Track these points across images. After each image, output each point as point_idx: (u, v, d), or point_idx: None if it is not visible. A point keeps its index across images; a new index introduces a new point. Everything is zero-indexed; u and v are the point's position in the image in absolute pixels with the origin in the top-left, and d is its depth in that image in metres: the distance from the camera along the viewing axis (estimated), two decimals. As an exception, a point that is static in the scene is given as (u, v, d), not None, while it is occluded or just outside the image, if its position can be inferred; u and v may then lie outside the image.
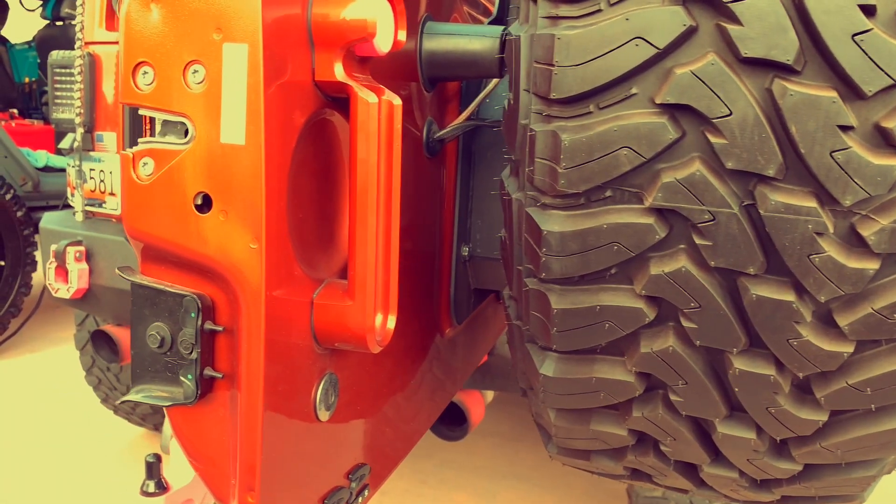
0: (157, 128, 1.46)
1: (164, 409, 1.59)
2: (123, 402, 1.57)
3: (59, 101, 3.77)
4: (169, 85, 1.38)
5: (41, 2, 6.15)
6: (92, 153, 3.70)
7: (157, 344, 1.48)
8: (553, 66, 1.50)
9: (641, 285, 1.56)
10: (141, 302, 1.49)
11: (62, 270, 3.51)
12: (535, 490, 4.19)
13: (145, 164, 1.43)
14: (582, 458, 2.00)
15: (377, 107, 1.50)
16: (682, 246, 1.53)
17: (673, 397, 1.68)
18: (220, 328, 1.47)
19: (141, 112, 1.44)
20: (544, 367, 1.74)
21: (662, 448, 1.82)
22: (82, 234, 3.54)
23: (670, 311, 1.59)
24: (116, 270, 1.55)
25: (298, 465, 1.64)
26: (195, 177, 1.40)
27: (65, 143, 3.77)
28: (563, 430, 1.86)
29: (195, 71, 1.37)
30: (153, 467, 3.05)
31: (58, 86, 3.77)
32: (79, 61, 3.56)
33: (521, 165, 1.66)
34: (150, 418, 4.36)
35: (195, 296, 1.44)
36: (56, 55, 3.76)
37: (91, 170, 3.72)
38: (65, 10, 5.66)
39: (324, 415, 1.64)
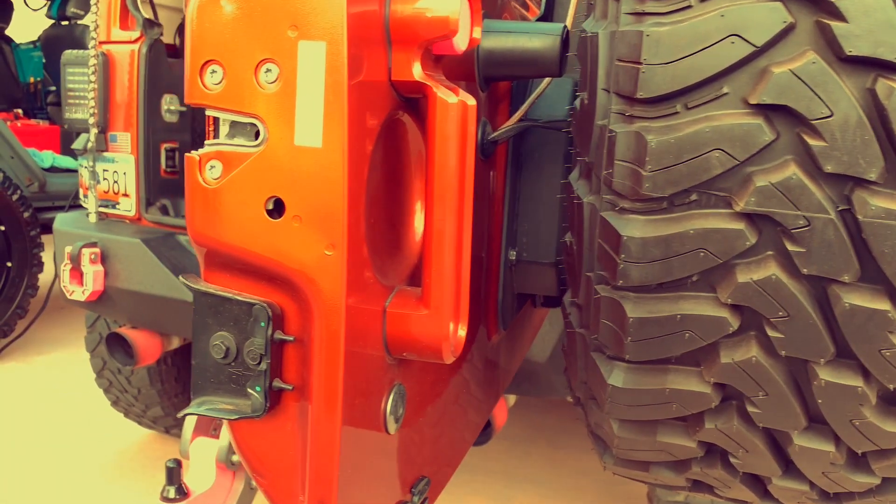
0: (223, 129, 1.36)
1: (224, 420, 1.48)
2: (184, 414, 1.46)
3: (72, 101, 3.64)
4: (239, 84, 1.28)
5: (46, 1, 6.01)
6: (105, 154, 3.59)
7: (221, 354, 1.37)
8: (640, 63, 1.40)
9: (727, 293, 1.47)
10: (204, 310, 1.38)
11: (77, 272, 3.39)
12: (549, 494, 4.10)
13: (213, 167, 1.32)
14: (641, 469, 1.90)
15: (457, 108, 1.40)
16: (771, 252, 1.44)
17: (750, 409, 1.59)
18: (291, 338, 1.37)
19: (208, 113, 1.33)
20: (613, 378, 1.64)
21: (732, 460, 1.73)
22: (97, 236, 3.42)
23: (754, 320, 1.50)
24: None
25: (369, 480, 1.54)
26: (267, 180, 1.30)
27: (78, 144, 3.64)
28: (626, 441, 1.76)
29: (268, 70, 1.27)
30: (173, 473, 2.95)
31: (71, 86, 3.64)
32: (93, 61, 3.44)
33: (595, 168, 1.56)
34: (161, 421, 4.23)
35: (265, 304, 1.34)
36: (69, 54, 3.64)
37: (104, 170, 3.61)
38: (71, 10, 5.52)
39: (392, 427, 1.54)
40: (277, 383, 1.39)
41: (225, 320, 1.36)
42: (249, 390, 1.38)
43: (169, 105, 3.62)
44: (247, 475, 3.04)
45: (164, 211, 3.60)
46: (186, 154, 1.35)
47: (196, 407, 1.44)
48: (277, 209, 1.31)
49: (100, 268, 3.38)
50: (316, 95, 1.24)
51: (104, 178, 3.62)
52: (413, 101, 1.48)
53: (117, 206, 3.62)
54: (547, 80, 2.00)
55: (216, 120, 1.34)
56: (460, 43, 1.43)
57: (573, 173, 1.75)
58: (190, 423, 3.01)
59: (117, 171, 3.60)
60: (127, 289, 3.39)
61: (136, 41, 3.51)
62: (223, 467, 2.99)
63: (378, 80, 1.36)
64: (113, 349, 3.54)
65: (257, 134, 1.30)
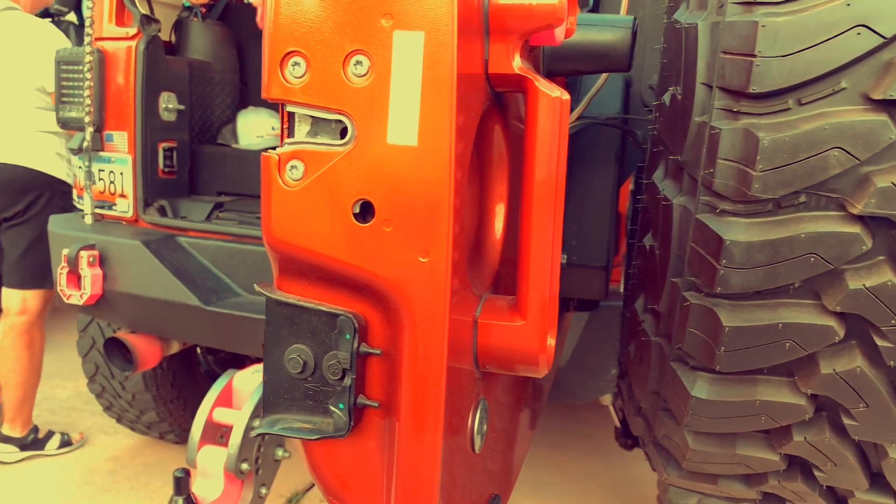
0: (300, 126, 1.20)
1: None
2: (258, 434, 1.31)
3: (66, 99, 3.44)
4: (325, 78, 1.14)
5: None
6: (101, 153, 3.39)
7: (297, 369, 1.23)
8: (754, 56, 1.28)
9: (835, 301, 1.35)
10: (278, 321, 1.24)
11: (74, 276, 3.20)
12: (553, 497, 3.98)
13: (294, 167, 1.19)
14: (708, 482, 1.78)
15: (558, 103, 1.26)
16: (883, 257, 1.32)
17: (847, 421, 1.47)
18: (378, 351, 1.23)
19: (288, 109, 1.19)
20: (696, 389, 1.51)
21: (816, 473, 1.61)
22: (95, 238, 3.22)
23: (860, 329, 1.39)
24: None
25: (453, 501, 1.40)
26: (355, 182, 1.16)
27: (73, 143, 3.45)
28: (701, 454, 1.64)
29: (358, 62, 1.13)
30: (182, 482, 2.77)
31: (65, 83, 3.44)
32: (88, 58, 3.25)
33: (689, 167, 1.43)
34: (155, 427, 4.03)
35: (351, 315, 1.19)
36: (63, 51, 3.44)
37: (100, 171, 3.42)
38: (54, 6, 5.28)
39: (478, 444, 1.40)
40: (362, 400, 1.25)
41: (302, 332, 1.22)
42: (331, 408, 1.24)
43: (167, 103, 3.43)
44: (256, 484, 2.89)
45: (163, 212, 3.42)
46: (264, 153, 1.20)
47: (269, 426, 1.30)
48: (366, 213, 1.17)
49: (98, 271, 3.19)
50: (412, 90, 1.11)
51: (100, 179, 3.43)
52: (498, 96, 1.34)
53: (114, 208, 3.43)
54: (605, 75, 1.87)
55: (290, 116, 1.20)
56: (560, 33, 1.30)
57: (657, 173, 1.62)
58: (197, 431, 2.83)
59: (114, 172, 3.41)
60: (127, 292, 3.21)
61: (132, 38, 3.33)
62: (232, 476, 2.82)
63: (475, 73, 1.22)
64: (111, 354, 3.35)
65: (343, 132, 1.16)
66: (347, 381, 1.22)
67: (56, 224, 3.43)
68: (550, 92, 1.25)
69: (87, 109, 3.29)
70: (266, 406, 1.30)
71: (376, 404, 1.25)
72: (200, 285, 3.12)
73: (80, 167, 3.46)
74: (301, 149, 1.19)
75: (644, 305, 1.73)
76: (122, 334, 3.34)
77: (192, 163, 3.62)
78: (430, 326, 1.19)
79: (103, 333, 3.86)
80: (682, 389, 1.53)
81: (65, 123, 3.45)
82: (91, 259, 3.15)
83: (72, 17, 5.55)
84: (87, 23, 3.31)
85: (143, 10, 3.43)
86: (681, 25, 1.46)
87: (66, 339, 5.66)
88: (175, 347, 3.51)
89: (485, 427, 1.41)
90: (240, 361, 4.33)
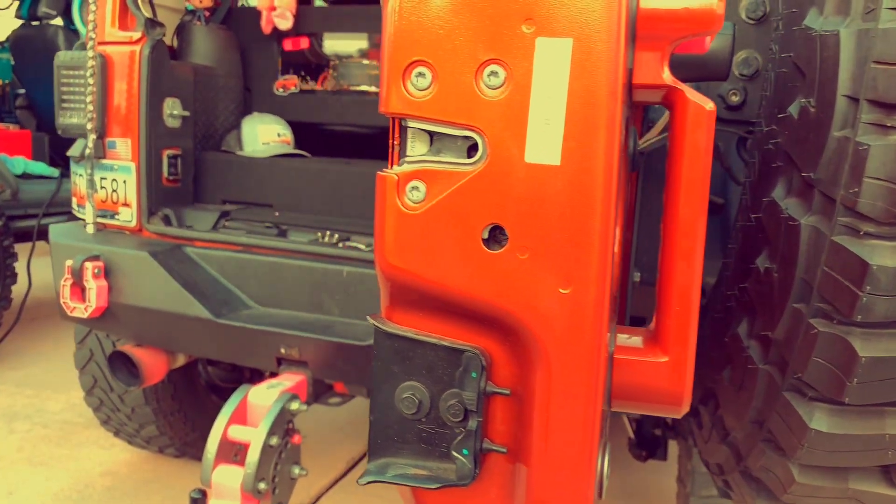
0: (415, 143, 1.08)
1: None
2: (367, 482, 1.18)
3: (66, 105, 3.28)
4: (455, 90, 1.03)
5: (16, 0, 5.56)
6: (104, 161, 3.25)
7: (411, 409, 1.10)
8: None
9: None
10: (390, 356, 1.12)
11: (78, 288, 3.05)
12: None
13: (415, 188, 1.07)
14: None
15: (710, 116, 1.15)
16: None
17: None
18: (506, 391, 1.10)
19: (411, 124, 1.06)
20: (815, 421, 1.40)
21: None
22: (100, 249, 3.08)
23: None
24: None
25: None
26: (485, 205, 1.04)
27: (74, 151, 3.30)
28: (807, 488, 1.53)
29: (492, 73, 1.01)
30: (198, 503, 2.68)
31: (65, 89, 3.29)
32: (91, 63, 3.12)
33: (824, 186, 1.31)
34: (155, 441, 3.87)
35: (478, 351, 1.07)
36: (64, 56, 3.28)
37: (102, 179, 3.27)
38: (42, 10, 5.10)
39: (604, 489, 1.27)
40: (488, 444, 1.13)
41: (416, 368, 1.10)
42: (454, 453, 1.11)
43: (171, 109, 3.30)
44: (273, 503, 2.76)
45: (167, 221, 3.28)
46: (380, 172, 1.07)
47: (378, 472, 1.17)
48: (497, 239, 1.05)
49: (104, 283, 3.05)
50: (556, 103, 0.99)
51: (102, 187, 3.28)
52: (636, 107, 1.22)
53: (116, 217, 3.29)
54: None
55: (404, 131, 1.07)
56: (709, 40, 1.19)
57: (776, 190, 1.50)
58: (212, 450, 2.70)
59: (116, 180, 3.28)
60: (134, 305, 3.07)
61: (136, 42, 3.19)
62: (249, 496, 2.70)
63: (619, 84, 1.10)
64: (116, 369, 3.21)
65: (471, 149, 1.05)
66: (472, 423, 1.10)
67: (57, 234, 3.28)
68: (704, 104, 1.14)
69: (89, 116, 3.15)
70: (373, 449, 1.17)
71: (504, 450, 1.14)
72: (210, 297, 2.99)
73: (80, 175, 3.32)
74: (423, 167, 1.07)
75: (750, 330, 1.60)
76: (128, 348, 3.20)
77: (196, 170, 3.48)
78: (570, 365, 1.07)
79: (102, 345, 3.70)
80: (798, 421, 1.42)
81: (65, 130, 3.30)
82: (96, 270, 3.01)
83: (59, 20, 5.40)
84: (89, 26, 3.17)
85: (147, 13, 3.30)
86: (815, 33, 1.34)
87: (53, 349, 5.48)
88: (181, 361, 3.38)
89: (608, 469, 1.29)
90: (240, 373, 4.19)
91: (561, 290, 1.04)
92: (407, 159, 1.07)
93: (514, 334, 1.08)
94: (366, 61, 3.95)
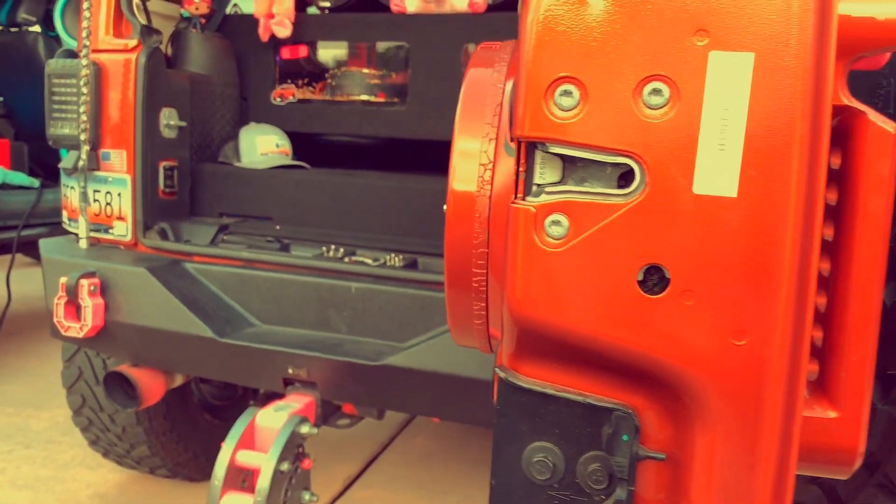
0: (545, 170, 0.94)
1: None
2: None
3: (57, 115, 3.13)
4: (608, 110, 0.89)
5: (-7, 6, 5.36)
6: (97, 173, 3.11)
7: (545, 474, 0.96)
8: None
9: None
10: (517, 412, 0.97)
11: (72, 306, 2.90)
12: None
13: (556, 222, 0.92)
14: None
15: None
16: None
17: None
18: (662, 456, 0.96)
19: (552, 150, 0.92)
20: None
21: None
22: (95, 265, 2.93)
23: None
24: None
25: None
26: (643, 242, 0.90)
27: (66, 163, 3.15)
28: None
29: (655, 90, 0.87)
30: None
31: (57, 98, 3.14)
32: (85, 71, 2.97)
33: None
34: (146, 461, 3.70)
35: (630, 411, 0.93)
36: (55, 64, 3.14)
37: (95, 191, 3.13)
38: (21, 16, 4.91)
39: None
40: None
41: (549, 427, 0.95)
42: None
43: (168, 119, 3.17)
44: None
45: (164, 235, 3.14)
46: (513, 204, 0.92)
47: None
48: (654, 281, 0.91)
49: (100, 300, 2.90)
50: (733, 126, 0.86)
51: (94, 200, 3.14)
52: None
53: (110, 231, 3.14)
54: None
55: (530, 155, 0.93)
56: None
57: None
58: (219, 477, 2.57)
59: (110, 192, 3.13)
60: (132, 323, 2.92)
61: (132, 50, 3.06)
62: (257, 524, 2.57)
63: (810, 105, 0.95)
64: (111, 390, 3.05)
65: (623, 177, 0.91)
66: (620, 492, 0.94)
67: (49, 249, 3.12)
68: (888, 127, 0.99)
69: (82, 126, 3.00)
70: None
71: None
72: (213, 315, 2.86)
73: (72, 188, 3.17)
74: (566, 199, 0.92)
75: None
76: (125, 368, 3.04)
77: (192, 182, 3.35)
78: (745, 428, 0.92)
79: (91, 364, 3.53)
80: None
81: (56, 141, 3.15)
82: (92, 288, 2.87)
83: (38, 27, 5.22)
84: (83, 34, 3.03)
85: (142, 20, 3.17)
86: None
87: (36, 365, 5.28)
88: (179, 381, 3.23)
89: None
90: (234, 391, 4.05)
91: (734, 342, 0.89)
92: (547, 188, 0.93)
93: (670, 390, 0.94)
94: (365, 70, 3.83)
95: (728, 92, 0.84)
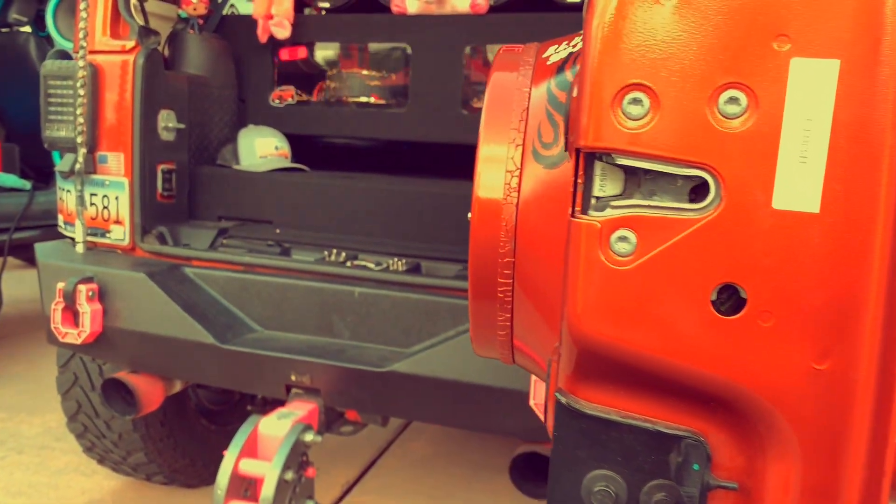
0: (606, 182, 0.87)
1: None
2: None
3: (53, 117, 3.07)
4: (681, 119, 0.82)
5: (-17, 6, 5.28)
6: (94, 176, 3.05)
7: (606, 503, 0.91)
8: None
9: None
10: (576, 438, 0.91)
11: (70, 312, 2.85)
12: None
13: (623, 238, 0.85)
14: None
15: None
16: None
17: None
18: (734, 485, 0.89)
19: (619, 161, 0.84)
20: None
21: None
22: (93, 270, 2.88)
23: None
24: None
25: None
26: (717, 260, 0.83)
27: (63, 166, 3.09)
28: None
29: (731, 98, 0.81)
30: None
31: (53, 100, 3.08)
32: (82, 73, 2.92)
33: None
34: (142, 468, 3.64)
35: (701, 439, 0.87)
36: (51, 65, 3.08)
37: (92, 195, 3.07)
38: (13, 16, 4.84)
39: None
40: None
41: (611, 455, 0.87)
42: None
43: (166, 122, 3.12)
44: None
45: (162, 239, 3.09)
46: (575, 219, 0.86)
47: None
48: (731, 302, 0.84)
49: (98, 306, 2.85)
50: (816, 138, 0.80)
51: (92, 203, 3.08)
52: None
53: (107, 235, 3.09)
54: None
55: (588, 165, 0.86)
56: None
57: None
58: (222, 485, 2.52)
59: (108, 196, 3.08)
60: (131, 329, 2.87)
61: (130, 51, 3.00)
62: (260, 533, 2.52)
63: (891, 114, 0.89)
64: (110, 397, 3.00)
65: (695, 191, 0.84)
66: None
67: (45, 253, 3.06)
68: None
69: (79, 129, 2.94)
70: None
71: None
72: (213, 321, 2.81)
73: (68, 191, 3.11)
74: (633, 214, 0.86)
75: None
76: (123, 375, 2.99)
77: (191, 185, 3.29)
78: (826, 457, 0.86)
79: (87, 369, 3.47)
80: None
81: (52, 144, 3.09)
82: (90, 293, 2.81)
83: (29, 27, 5.14)
84: (79, 34, 2.97)
85: (140, 21, 3.11)
86: None
87: (27, 370, 5.20)
88: (178, 387, 3.18)
89: None
90: (231, 396, 3.99)
91: (815, 366, 0.83)
92: (613, 202, 0.86)
93: (743, 416, 0.88)
94: (365, 71, 3.79)
95: (811, 101, 0.77)
